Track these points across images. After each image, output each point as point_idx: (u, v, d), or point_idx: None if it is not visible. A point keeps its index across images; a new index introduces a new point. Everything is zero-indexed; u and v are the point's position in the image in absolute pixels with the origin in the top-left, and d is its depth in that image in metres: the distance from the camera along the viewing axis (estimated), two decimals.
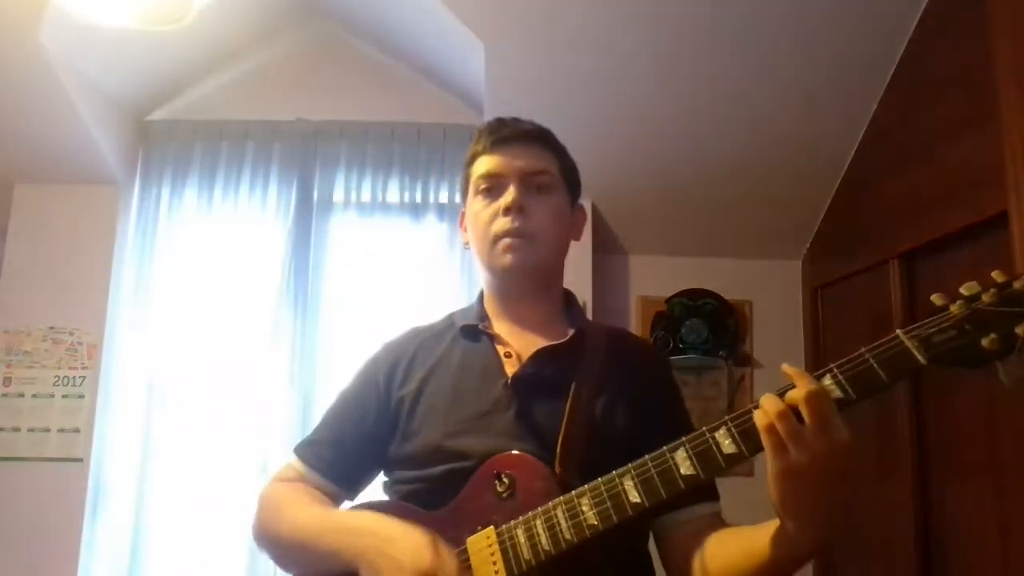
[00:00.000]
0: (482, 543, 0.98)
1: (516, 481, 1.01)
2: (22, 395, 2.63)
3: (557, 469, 1.02)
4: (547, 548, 0.94)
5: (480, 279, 1.24)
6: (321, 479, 1.16)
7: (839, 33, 2.22)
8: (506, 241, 1.12)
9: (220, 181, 2.82)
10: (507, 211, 1.12)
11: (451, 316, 1.25)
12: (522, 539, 0.96)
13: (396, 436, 1.13)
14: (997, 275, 0.83)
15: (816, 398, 0.81)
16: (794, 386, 0.84)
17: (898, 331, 0.83)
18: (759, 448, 0.85)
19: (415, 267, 2.73)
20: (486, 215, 1.14)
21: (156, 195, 2.82)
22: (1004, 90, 1.72)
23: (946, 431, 2.06)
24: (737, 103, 2.45)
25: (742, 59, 2.32)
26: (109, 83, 2.63)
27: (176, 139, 2.85)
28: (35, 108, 2.48)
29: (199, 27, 2.61)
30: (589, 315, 2.66)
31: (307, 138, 2.83)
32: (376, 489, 1.19)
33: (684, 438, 0.92)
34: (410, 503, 1.07)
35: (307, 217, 2.81)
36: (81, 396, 2.64)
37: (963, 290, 0.83)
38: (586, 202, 2.75)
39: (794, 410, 0.81)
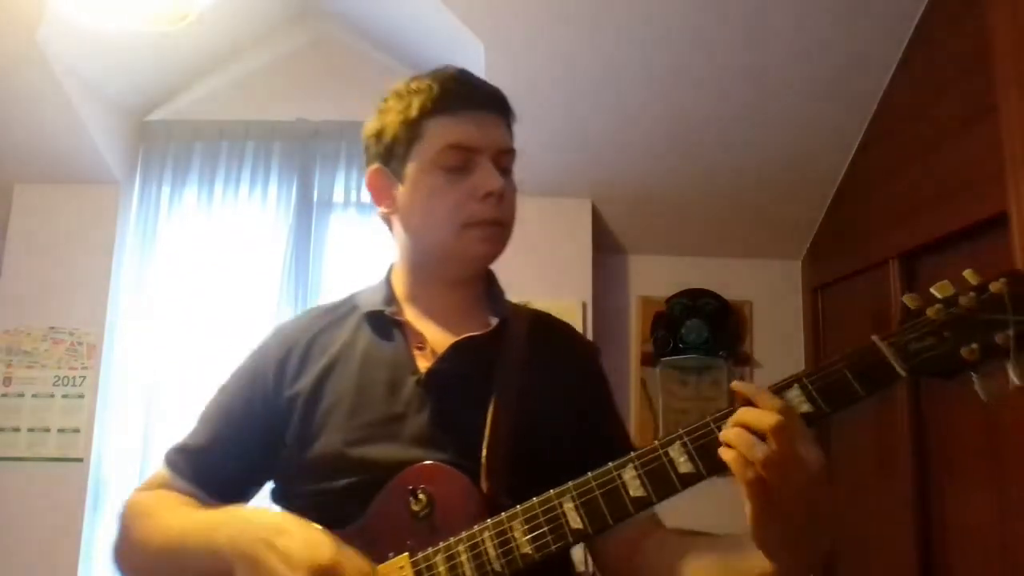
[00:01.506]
0: (394, 573, 0.82)
1: (435, 498, 0.85)
2: (22, 395, 2.63)
3: (483, 484, 0.87)
4: None
5: (397, 254, 1.07)
6: (195, 489, 0.96)
7: (839, 33, 2.22)
8: (484, 230, 0.96)
9: (220, 181, 2.82)
10: (487, 196, 0.95)
11: (354, 297, 1.07)
12: (442, 570, 0.81)
13: (288, 441, 0.94)
14: (970, 275, 0.76)
15: (787, 427, 0.70)
16: (746, 402, 0.74)
17: (874, 337, 0.76)
18: (720, 469, 0.74)
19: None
20: (453, 195, 0.95)
21: (156, 195, 2.82)
22: (1004, 90, 1.72)
23: (946, 431, 2.06)
24: (737, 103, 2.44)
25: (742, 59, 2.32)
26: (109, 83, 2.63)
27: (176, 139, 2.85)
28: (35, 108, 2.48)
29: (199, 27, 2.61)
30: (589, 315, 2.67)
31: (307, 138, 2.83)
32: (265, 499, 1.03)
33: (633, 454, 0.79)
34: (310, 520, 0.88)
35: (307, 217, 2.81)
36: (81, 396, 2.64)
37: (935, 291, 0.76)
38: (586, 202, 2.76)
39: (759, 434, 0.70)
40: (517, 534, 0.80)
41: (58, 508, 2.56)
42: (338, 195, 2.82)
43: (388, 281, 1.06)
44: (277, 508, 0.96)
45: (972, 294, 0.75)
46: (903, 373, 0.75)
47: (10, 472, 2.58)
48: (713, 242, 2.88)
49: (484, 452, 0.89)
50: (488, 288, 1.08)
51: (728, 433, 0.72)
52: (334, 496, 0.89)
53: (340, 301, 1.07)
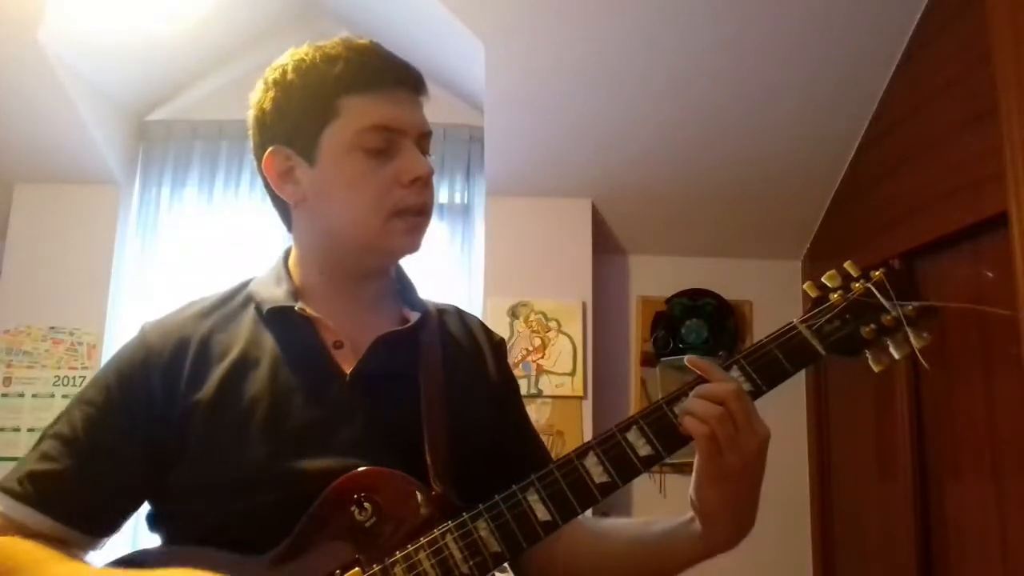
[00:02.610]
0: None
1: (381, 505, 0.77)
2: (22, 395, 2.63)
3: (434, 486, 0.81)
4: None
5: (299, 243, 0.98)
6: (52, 524, 0.79)
7: (839, 33, 2.22)
8: (410, 220, 0.88)
9: (220, 181, 2.82)
10: (415, 182, 0.86)
11: (246, 290, 0.95)
12: None
13: (186, 458, 0.80)
14: (850, 267, 0.90)
15: (743, 396, 0.78)
16: (698, 381, 0.81)
17: (794, 320, 0.88)
18: (677, 447, 0.80)
19: (414, 267, 2.73)
20: (377, 181, 0.85)
21: (156, 195, 2.82)
22: (1004, 90, 1.72)
23: (946, 431, 2.06)
24: (737, 103, 2.44)
25: (742, 59, 2.32)
26: (109, 83, 2.63)
27: (176, 139, 2.85)
28: (35, 108, 2.48)
29: (199, 27, 2.62)
30: (589, 315, 2.67)
31: None
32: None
33: (592, 441, 0.80)
34: (211, 546, 0.77)
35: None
36: None
37: (827, 280, 0.90)
38: (586, 202, 2.76)
39: (717, 403, 0.78)
40: (483, 533, 0.77)
41: None
42: None
43: (287, 270, 0.96)
44: (158, 535, 0.86)
45: (860, 282, 0.89)
46: (823, 352, 0.85)
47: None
48: (713, 242, 2.88)
49: (428, 453, 0.82)
50: (398, 279, 1.00)
51: (690, 403, 0.79)
52: (255, 517, 0.78)
53: (229, 292, 0.96)
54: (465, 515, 0.78)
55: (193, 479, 0.81)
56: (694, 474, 0.80)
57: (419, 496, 0.79)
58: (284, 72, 0.88)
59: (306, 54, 0.88)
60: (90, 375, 2.63)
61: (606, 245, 2.85)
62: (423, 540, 0.76)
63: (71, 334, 2.67)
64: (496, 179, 2.65)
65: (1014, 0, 1.71)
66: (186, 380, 0.83)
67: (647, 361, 2.83)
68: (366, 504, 0.77)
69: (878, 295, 0.87)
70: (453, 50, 2.50)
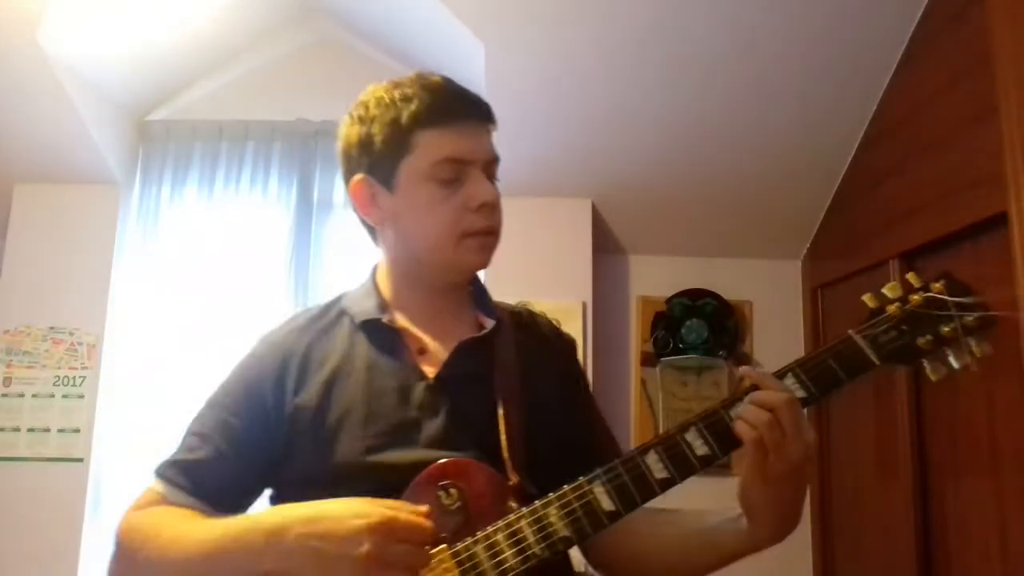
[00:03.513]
0: (435, 567, 0.84)
1: (465, 492, 0.87)
2: (22, 395, 2.63)
3: (511, 476, 0.91)
4: (515, 566, 0.84)
5: (384, 261, 1.08)
6: (196, 503, 0.94)
7: (839, 33, 2.22)
8: (482, 240, 0.98)
9: (220, 181, 2.82)
10: (482, 207, 0.97)
11: (339, 305, 1.06)
12: (484, 558, 0.84)
13: (296, 453, 0.94)
14: (912, 278, 0.93)
15: (794, 405, 0.83)
16: (751, 388, 0.87)
17: (850, 332, 0.91)
18: (731, 448, 0.87)
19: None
20: (449, 207, 0.96)
21: (156, 195, 2.82)
22: (1004, 90, 1.72)
23: (946, 431, 2.06)
24: (737, 103, 2.44)
25: (742, 59, 2.32)
26: (109, 83, 2.63)
27: (176, 139, 2.85)
28: (35, 108, 2.48)
29: (199, 27, 2.62)
30: (589, 315, 2.67)
31: (307, 138, 2.83)
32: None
33: (655, 440, 0.88)
34: None
35: (307, 217, 2.81)
36: (81, 396, 2.64)
37: (887, 292, 0.93)
38: (586, 202, 2.76)
39: (768, 410, 0.83)
40: (554, 519, 0.85)
41: (58, 508, 2.56)
42: (338, 195, 2.82)
43: (376, 286, 1.06)
44: None
45: (919, 294, 0.91)
46: (877, 362, 0.89)
47: (10, 472, 2.58)
48: (713, 242, 2.88)
49: (504, 446, 0.93)
50: (475, 290, 1.10)
51: (743, 408, 0.85)
52: None
53: (325, 307, 1.07)
54: (538, 502, 0.87)
55: (302, 471, 0.93)
56: (742, 474, 0.86)
57: (498, 484, 0.89)
58: (367, 108, 1.01)
59: (385, 91, 1.00)
60: (90, 375, 2.65)
61: (606, 245, 2.85)
62: (501, 523, 0.86)
63: (71, 334, 2.68)
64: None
65: (1014, 0, 1.71)
66: (292, 387, 0.96)
67: (647, 361, 2.83)
68: (451, 490, 0.87)
69: (947, 302, 0.88)
70: (453, 50, 2.50)
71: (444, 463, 0.90)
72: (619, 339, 2.85)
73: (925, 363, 0.89)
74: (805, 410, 0.87)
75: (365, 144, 1.00)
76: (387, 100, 0.99)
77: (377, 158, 0.99)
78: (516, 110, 2.45)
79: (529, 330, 1.09)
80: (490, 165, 1.00)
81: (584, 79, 2.40)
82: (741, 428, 0.84)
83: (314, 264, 2.79)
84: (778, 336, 2.86)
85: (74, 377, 2.65)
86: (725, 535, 0.91)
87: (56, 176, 2.72)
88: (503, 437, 0.93)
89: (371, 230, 1.07)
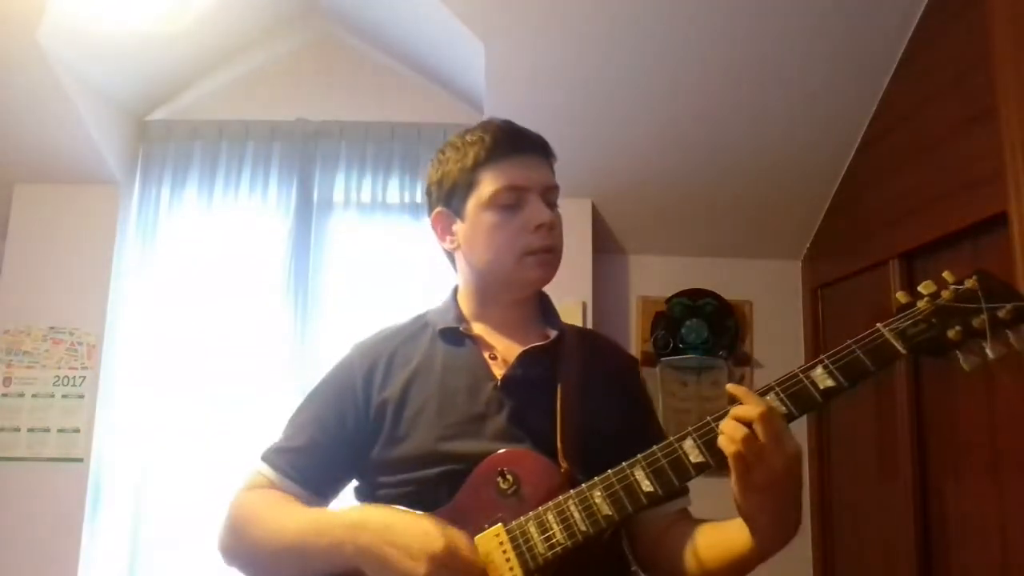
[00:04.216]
0: (491, 541, 0.96)
1: (520, 478, 1.00)
2: (22, 395, 2.63)
3: (561, 464, 1.02)
4: (562, 541, 0.94)
5: (461, 281, 1.22)
6: (294, 486, 1.09)
7: (839, 33, 2.22)
8: (541, 257, 1.14)
9: (220, 181, 2.82)
10: (539, 228, 1.12)
11: (423, 318, 1.22)
12: (535, 533, 0.96)
13: (379, 441, 1.08)
14: (948, 275, 0.97)
15: (768, 417, 0.87)
16: (736, 402, 0.91)
17: (878, 325, 0.94)
18: (724, 458, 0.91)
19: (415, 267, 2.73)
20: (510, 229, 1.12)
21: (156, 195, 2.82)
22: (1004, 90, 1.72)
23: (946, 431, 2.06)
24: (737, 103, 2.45)
25: (742, 59, 2.32)
26: (109, 83, 2.63)
27: (176, 139, 2.85)
28: (35, 108, 2.48)
29: (199, 27, 2.62)
30: (589, 315, 2.67)
31: (307, 138, 2.83)
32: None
33: (690, 428, 0.95)
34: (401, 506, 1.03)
35: (307, 217, 2.81)
36: (81, 396, 2.64)
37: (922, 289, 0.96)
38: (586, 202, 2.76)
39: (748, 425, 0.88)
40: (598, 500, 0.95)
41: (58, 508, 2.56)
42: (338, 195, 2.82)
43: (455, 302, 1.21)
44: (358, 502, 1.11)
45: (951, 289, 0.95)
46: (903, 351, 0.93)
47: (10, 472, 2.58)
48: (713, 242, 2.88)
49: (559, 440, 1.03)
50: (541, 305, 1.25)
51: (723, 423, 0.91)
52: (427, 484, 1.03)
53: (410, 321, 1.22)
54: (584, 485, 0.97)
55: (383, 457, 1.07)
56: (731, 486, 0.90)
57: (550, 471, 1.00)
58: (443, 153, 1.19)
59: (458, 137, 1.18)
60: (90, 375, 2.65)
61: (606, 245, 2.85)
62: (551, 504, 0.97)
63: (71, 334, 2.68)
64: None
65: (1014, 0, 1.71)
66: (378, 384, 1.11)
67: (647, 361, 2.83)
68: (508, 476, 0.99)
69: (979, 295, 0.91)
70: (453, 50, 2.51)
71: (503, 453, 1.02)
72: (619, 339, 2.84)
73: (959, 354, 0.92)
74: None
75: (441, 183, 1.17)
76: (458, 144, 1.16)
77: (450, 193, 1.16)
78: (516, 110, 2.44)
79: (593, 345, 1.23)
80: (548, 192, 1.16)
81: (584, 79, 2.40)
82: (721, 441, 0.89)
83: (314, 264, 2.79)
84: (778, 336, 2.86)
85: (74, 377, 2.65)
86: (737, 543, 0.96)
87: (56, 176, 2.72)
88: (559, 432, 1.04)
89: (450, 256, 1.22)
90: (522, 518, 0.97)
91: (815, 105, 2.42)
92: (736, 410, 0.90)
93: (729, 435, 0.88)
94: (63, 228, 2.74)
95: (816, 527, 2.70)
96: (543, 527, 0.96)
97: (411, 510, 0.97)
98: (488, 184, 1.12)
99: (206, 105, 2.90)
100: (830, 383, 0.92)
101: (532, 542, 0.95)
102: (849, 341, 0.93)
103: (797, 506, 0.93)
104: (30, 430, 2.61)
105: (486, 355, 1.14)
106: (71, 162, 2.67)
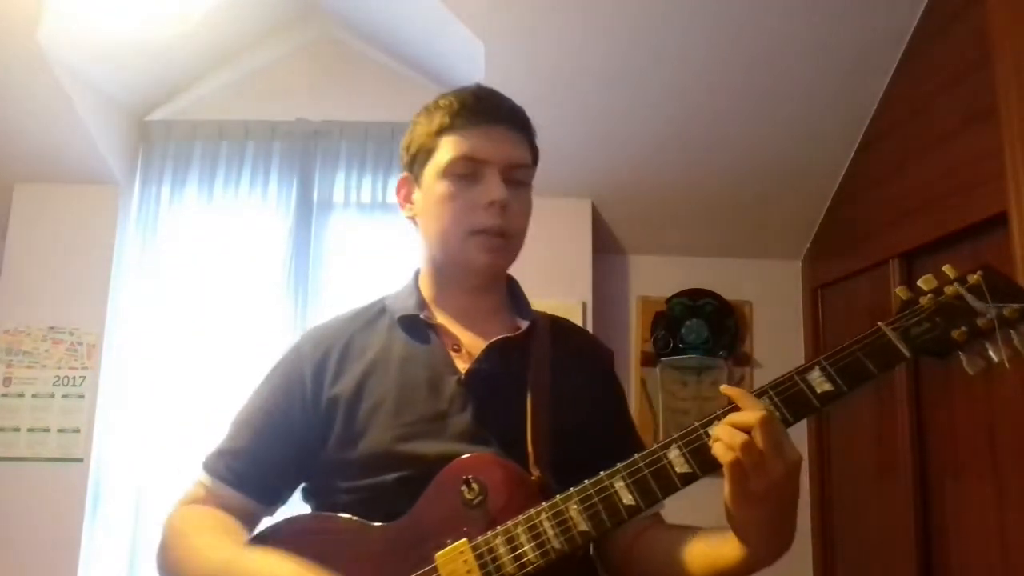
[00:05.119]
0: (455, 559, 0.86)
1: (487, 486, 0.90)
2: (22, 395, 2.63)
3: (532, 472, 0.93)
4: (534, 560, 0.85)
5: (421, 261, 1.13)
6: (235, 494, 1.01)
7: (839, 33, 2.22)
8: (486, 239, 1.01)
9: (220, 181, 2.82)
10: (491, 205, 1.00)
11: (382, 302, 1.12)
12: (503, 551, 0.86)
13: (330, 441, 0.98)
14: (949, 270, 0.90)
15: (769, 423, 0.80)
16: (734, 408, 0.84)
17: (880, 324, 0.87)
18: (712, 468, 0.85)
19: (415, 267, 2.73)
20: (459, 203, 1.01)
21: (156, 195, 2.82)
22: (1004, 90, 1.72)
23: (946, 431, 2.06)
24: (737, 103, 2.44)
25: (742, 59, 2.32)
26: (109, 83, 2.63)
27: (176, 139, 2.85)
28: (35, 108, 2.48)
29: (199, 27, 2.62)
30: (589, 315, 2.67)
31: (307, 138, 2.83)
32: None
33: (675, 435, 0.87)
34: (352, 514, 0.94)
35: (307, 217, 2.81)
36: (81, 396, 2.64)
37: (922, 284, 0.89)
38: (586, 202, 2.76)
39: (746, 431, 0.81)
40: (573, 514, 0.86)
41: (58, 508, 2.56)
42: (338, 195, 2.82)
43: (416, 286, 1.11)
44: (308, 506, 1.03)
45: (954, 285, 0.88)
46: (907, 354, 0.86)
47: (10, 472, 2.58)
48: (713, 242, 2.88)
49: (529, 443, 0.95)
50: (511, 293, 1.14)
51: (718, 429, 0.83)
52: (383, 491, 0.94)
53: (367, 305, 1.12)
54: (558, 497, 0.87)
55: (334, 458, 0.98)
56: (724, 496, 0.83)
57: (520, 479, 0.91)
58: (417, 115, 1.09)
59: (429, 103, 1.08)
60: (90, 375, 2.65)
61: (606, 245, 2.85)
62: (521, 518, 0.87)
63: (71, 334, 2.67)
64: None
65: (1014, 0, 1.71)
66: (331, 377, 1.01)
67: (647, 361, 2.83)
68: (473, 484, 0.89)
69: (965, 297, 0.86)
70: (453, 50, 2.50)
71: (468, 457, 0.92)
72: (619, 339, 2.85)
73: (962, 356, 0.87)
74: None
75: (408, 147, 1.09)
76: (430, 107, 1.07)
77: (414, 158, 1.07)
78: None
79: (567, 337, 1.12)
80: (512, 169, 1.03)
81: (584, 79, 2.40)
82: (717, 449, 0.82)
83: (314, 264, 2.79)
84: (778, 336, 2.86)
85: (74, 377, 2.65)
86: (726, 556, 0.89)
87: (56, 176, 2.72)
88: (529, 434, 0.96)
89: (416, 227, 1.12)
90: (489, 533, 0.87)
91: (815, 105, 2.42)
92: (733, 416, 0.82)
93: (727, 442, 0.80)
94: (63, 228, 2.74)
95: (816, 527, 2.70)
96: (513, 544, 0.86)
97: (361, 534, 0.90)
98: (445, 151, 1.02)
99: (206, 105, 2.90)
100: (828, 387, 0.85)
101: (500, 561, 0.86)
102: (849, 341, 0.86)
103: (793, 518, 0.86)
104: (30, 430, 2.61)
105: (449, 347, 1.03)
106: (71, 162, 2.67)
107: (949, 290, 0.88)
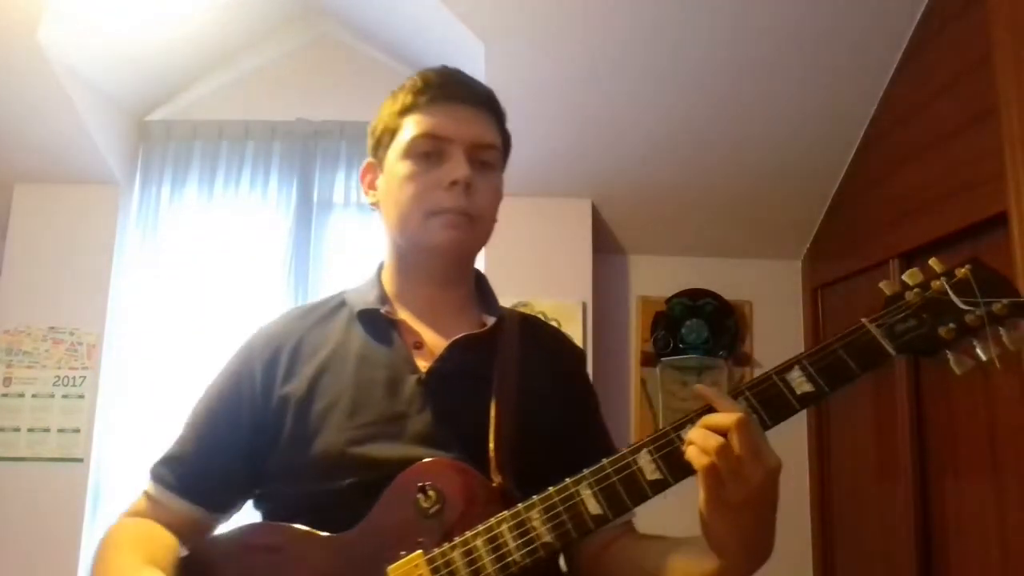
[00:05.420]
0: (409, 572, 0.81)
1: (444, 494, 0.84)
2: (22, 395, 2.63)
3: (494, 478, 0.87)
4: (492, 574, 0.80)
5: (385, 253, 1.07)
6: (182, 502, 0.95)
7: (839, 33, 2.22)
8: (448, 217, 0.95)
9: (220, 181, 2.82)
10: (453, 185, 0.94)
11: (342, 295, 1.06)
12: (460, 564, 0.80)
13: (280, 443, 0.92)
14: (935, 264, 0.85)
15: (746, 425, 0.74)
16: (710, 409, 0.78)
17: (864, 320, 0.83)
18: (685, 474, 0.80)
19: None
20: (421, 184, 0.96)
21: (156, 195, 2.82)
22: (1004, 90, 1.72)
23: (946, 431, 2.06)
24: (737, 103, 2.44)
25: (742, 59, 2.32)
26: (109, 83, 2.63)
27: (176, 139, 2.85)
28: (35, 108, 2.48)
29: (199, 27, 2.62)
30: (589, 315, 2.67)
31: (307, 138, 2.83)
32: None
33: (647, 439, 0.81)
34: (304, 522, 0.88)
35: (307, 217, 2.81)
36: (81, 396, 2.64)
37: (907, 278, 0.85)
38: (586, 202, 2.76)
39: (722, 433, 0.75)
40: (536, 523, 0.80)
41: (58, 508, 2.56)
42: (338, 195, 2.82)
43: (379, 279, 1.06)
44: (259, 513, 0.97)
45: (941, 280, 0.83)
46: (893, 352, 0.81)
47: (10, 472, 2.58)
48: (713, 242, 2.88)
49: (492, 446, 0.89)
50: (479, 289, 1.09)
51: (693, 432, 0.77)
52: (335, 497, 0.87)
53: (325, 299, 1.07)
54: (521, 505, 0.82)
55: (284, 462, 0.92)
56: (699, 504, 0.78)
57: (479, 487, 0.85)
58: (385, 99, 1.05)
59: (398, 86, 1.04)
60: (90, 375, 2.65)
61: (606, 245, 2.85)
62: (480, 527, 0.81)
63: (71, 334, 2.67)
64: None
65: (1014, 0, 1.71)
66: (282, 376, 0.95)
67: (647, 361, 2.83)
68: (430, 492, 0.84)
69: (951, 294, 0.81)
70: (453, 50, 2.50)
71: (424, 463, 0.86)
72: (619, 339, 2.85)
73: (949, 355, 0.81)
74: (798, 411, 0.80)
75: (373, 129, 1.05)
76: (395, 91, 1.04)
77: (378, 140, 1.03)
78: (516, 110, 2.43)
79: (536, 335, 1.06)
80: (478, 149, 0.98)
81: (584, 79, 2.40)
82: (691, 454, 0.76)
83: (314, 264, 2.79)
84: (778, 336, 2.86)
85: (74, 377, 2.65)
86: (700, 569, 0.82)
87: (56, 176, 2.72)
88: (492, 437, 0.90)
89: (380, 215, 1.08)
90: (447, 545, 0.82)
91: (815, 105, 2.42)
92: (708, 418, 0.77)
93: (701, 445, 0.75)
94: (63, 228, 2.74)
95: (816, 527, 2.70)
96: (471, 556, 0.80)
97: (312, 544, 0.85)
98: (408, 130, 0.98)
99: (206, 105, 2.90)
100: (808, 388, 0.79)
101: (458, 575, 0.80)
102: (831, 339, 0.81)
103: (772, 528, 0.79)
104: (30, 430, 2.61)
105: (410, 344, 0.97)
106: (71, 162, 2.67)
107: (936, 285, 0.83)
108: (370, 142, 1.06)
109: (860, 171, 2.53)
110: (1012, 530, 1.79)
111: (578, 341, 2.66)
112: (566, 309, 2.61)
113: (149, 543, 0.90)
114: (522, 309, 2.70)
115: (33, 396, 2.63)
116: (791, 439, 2.76)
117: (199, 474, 0.96)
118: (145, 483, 0.99)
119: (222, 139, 2.84)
